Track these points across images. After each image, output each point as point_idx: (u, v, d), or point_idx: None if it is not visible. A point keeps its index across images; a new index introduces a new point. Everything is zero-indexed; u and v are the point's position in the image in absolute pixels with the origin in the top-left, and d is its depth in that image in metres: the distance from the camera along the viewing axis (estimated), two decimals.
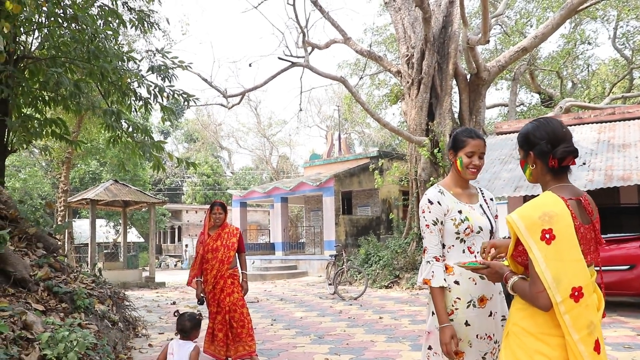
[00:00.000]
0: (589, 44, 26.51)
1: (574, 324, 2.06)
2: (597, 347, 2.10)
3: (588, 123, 14.55)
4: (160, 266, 36.96)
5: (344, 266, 14.42)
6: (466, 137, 3.12)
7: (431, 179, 16.03)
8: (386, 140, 40.58)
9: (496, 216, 3.19)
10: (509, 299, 2.70)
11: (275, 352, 7.17)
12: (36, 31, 10.40)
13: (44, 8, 9.93)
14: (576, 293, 2.07)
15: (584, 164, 11.45)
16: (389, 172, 19.51)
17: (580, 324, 2.07)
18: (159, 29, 12.86)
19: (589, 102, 23.12)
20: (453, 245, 3.01)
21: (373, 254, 17.52)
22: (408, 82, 17.51)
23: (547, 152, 2.31)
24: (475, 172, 3.09)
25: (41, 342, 4.48)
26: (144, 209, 28.64)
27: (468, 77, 17.50)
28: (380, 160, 21.08)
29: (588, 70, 29.67)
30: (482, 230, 3.01)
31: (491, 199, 3.25)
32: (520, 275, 2.31)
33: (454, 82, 17.72)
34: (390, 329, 8.76)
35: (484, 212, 3.09)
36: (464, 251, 2.99)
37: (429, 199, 3.08)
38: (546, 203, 2.18)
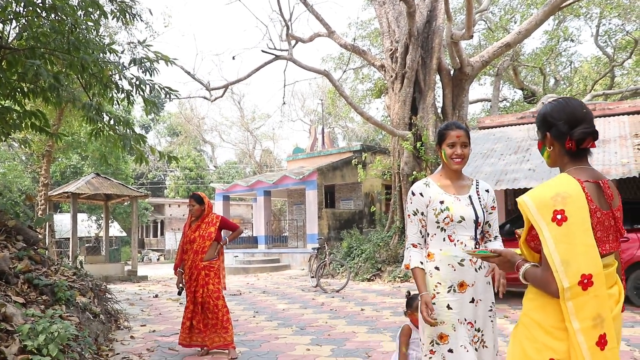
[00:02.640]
0: (572, 41, 26.80)
1: (576, 312, 1.98)
2: (601, 343, 1.99)
3: None
4: (142, 260, 36.74)
5: (326, 259, 14.47)
6: (446, 129, 3.28)
7: (414, 172, 16.10)
8: (370, 135, 40.65)
9: (493, 207, 3.30)
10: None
11: (258, 343, 7.19)
12: (14, 21, 10.24)
13: None
14: (585, 281, 1.98)
15: None
16: (372, 166, 19.56)
17: (585, 313, 1.98)
18: (141, 20, 12.74)
19: None
20: (435, 234, 3.19)
21: (355, 247, 17.58)
22: (392, 77, 17.55)
23: (565, 133, 2.20)
24: (460, 162, 3.22)
25: (21, 333, 4.45)
26: (126, 203, 28.42)
27: (451, 72, 17.58)
28: (363, 154, 21.10)
29: (571, 67, 29.97)
30: (464, 219, 3.13)
31: (486, 191, 3.34)
32: (532, 263, 2.21)
33: (438, 76, 17.80)
34: (371, 320, 8.82)
35: (471, 202, 3.20)
36: (444, 239, 3.16)
37: (412, 191, 3.29)
38: (560, 184, 2.10)
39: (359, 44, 22.80)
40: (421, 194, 3.23)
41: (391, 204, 18.15)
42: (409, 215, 3.29)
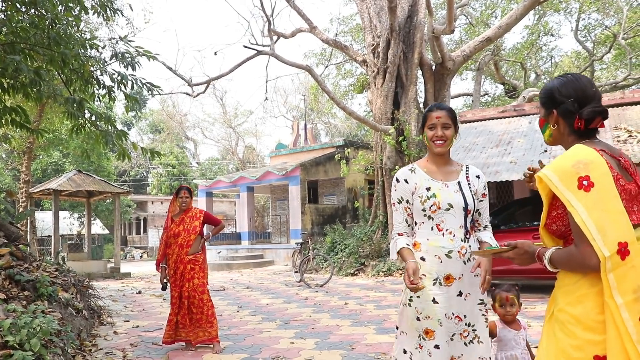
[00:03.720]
0: (552, 35, 27.10)
1: (618, 285, 1.80)
2: None
3: None
4: (125, 258, 36.52)
5: (309, 254, 14.50)
6: (428, 111, 3.09)
7: (396, 167, 16.17)
8: (352, 130, 40.74)
9: (484, 194, 3.11)
10: None
11: (242, 337, 7.20)
12: None
13: None
14: (623, 249, 1.81)
15: (545, 151, 11.70)
16: (354, 161, 19.63)
17: (626, 286, 1.80)
18: (122, 15, 12.66)
19: None
20: (423, 222, 3.00)
21: (339, 242, 17.64)
22: (374, 72, 17.60)
23: (574, 111, 2.08)
24: (442, 144, 3.01)
25: (3, 328, 4.42)
26: (108, 200, 28.26)
27: (433, 66, 17.68)
28: (346, 149, 21.16)
29: (551, 62, 30.28)
30: (452, 207, 2.94)
31: (477, 177, 3.13)
32: (556, 247, 2.04)
33: (419, 71, 17.88)
34: (355, 313, 8.86)
35: (460, 189, 3.00)
36: (432, 228, 2.96)
37: (396, 178, 3.10)
38: (578, 153, 1.96)
39: (341, 40, 22.86)
40: (406, 181, 3.04)
41: (374, 198, 18.24)
42: (393, 203, 3.11)
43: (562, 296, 2.01)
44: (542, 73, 29.67)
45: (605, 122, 10.98)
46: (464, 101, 33.10)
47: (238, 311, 9.68)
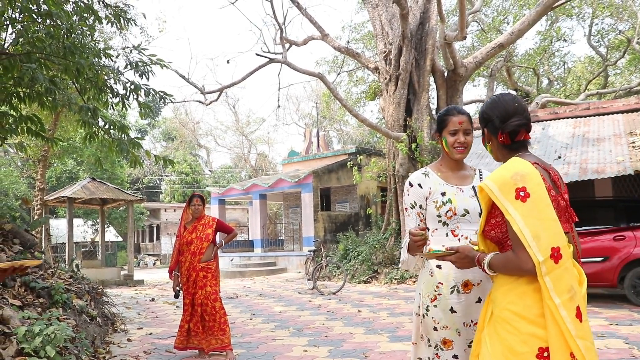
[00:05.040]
0: (565, 41, 26.94)
1: (555, 287, 1.97)
2: (578, 315, 1.99)
3: (563, 118, 14.77)
4: (139, 265, 36.69)
5: (322, 261, 14.47)
6: (447, 114, 2.98)
7: (409, 174, 16.08)
8: (364, 138, 40.70)
9: None
10: None
11: (255, 344, 7.19)
12: (10, 27, 10.29)
13: (17, 3, 9.86)
14: (555, 254, 1.99)
15: (559, 157, 11.62)
16: (367, 168, 19.60)
17: (561, 287, 1.98)
18: (136, 24, 12.78)
19: (565, 99, 23.42)
20: (437, 229, 2.87)
21: (352, 250, 17.61)
22: (386, 79, 17.60)
23: (498, 128, 2.31)
24: (463, 151, 2.93)
25: (18, 335, 4.45)
26: (121, 208, 28.42)
27: (445, 73, 17.64)
28: (358, 156, 21.17)
29: (564, 67, 30.10)
30: (468, 213, 2.82)
31: None
32: (495, 252, 2.20)
33: (432, 78, 17.85)
34: (368, 321, 8.83)
35: (475, 194, 2.89)
36: (447, 234, 2.84)
37: (409, 182, 3.00)
38: (515, 165, 2.14)
39: (352, 47, 22.88)
40: (420, 185, 2.94)
41: (387, 205, 18.19)
42: (406, 208, 2.98)
43: (502, 296, 2.14)
44: (554, 79, 29.53)
45: (620, 128, 10.84)
46: (477, 108, 32.96)
47: (251, 319, 9.68)
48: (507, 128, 2.27)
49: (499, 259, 2.15)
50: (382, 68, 17.80)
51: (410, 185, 3.00)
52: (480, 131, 2.47)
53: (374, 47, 23.69)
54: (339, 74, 25.26)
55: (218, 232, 6.74)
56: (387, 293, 13.04)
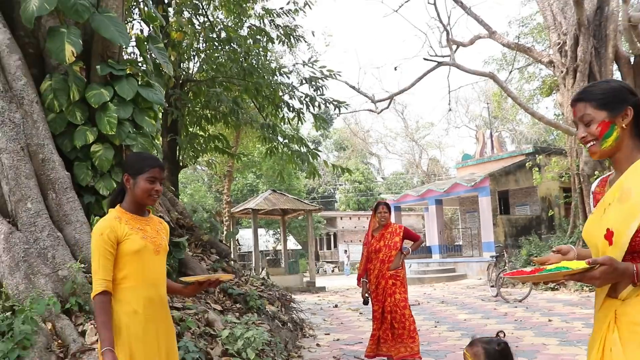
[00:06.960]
0: None
1: None
2: None
3: None
4: (318, 272, 38.01)
5: (505, 267, 13.89)
6: None
7: (595, 172, 14.92)
8: (540, 136, 38.63)
9: None
10: None
11: (442, 353, 7.06)
12: (195, 57, 11.33)
13: (202, 34, 10.85)
14: None
15: None
16: (547, 168, 18.57)
17: None
18: (305, 41, 13.37)
19: None
20: None
21: (535, 255, 16.66)
22: (562, 72, 16.50)
23: None
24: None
25: (222, 338, 4.79)
26: (300, 217, 29.68)
27: (632, 59, 16.13)
28: (537, 156, 20.13)
29: None
30: None
31: None
32: None
33: (615, 66, 16.40)
34: (561, 332, 8.28)
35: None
36: None
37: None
38: None
39: (522, 42, 21.82)
40: None
41: (572, 207, 17.08)
42: None
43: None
44: None
45: None
46: None
47: (436, 326, 9.53)
48: None
49: None
50: (557, 61, 16.72)
51: None
52: (600, 113, 1.91)
53: (544, 40, 22.41)
54: (511, 71, 24.24)
55: (403, 240, 6.73)
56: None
